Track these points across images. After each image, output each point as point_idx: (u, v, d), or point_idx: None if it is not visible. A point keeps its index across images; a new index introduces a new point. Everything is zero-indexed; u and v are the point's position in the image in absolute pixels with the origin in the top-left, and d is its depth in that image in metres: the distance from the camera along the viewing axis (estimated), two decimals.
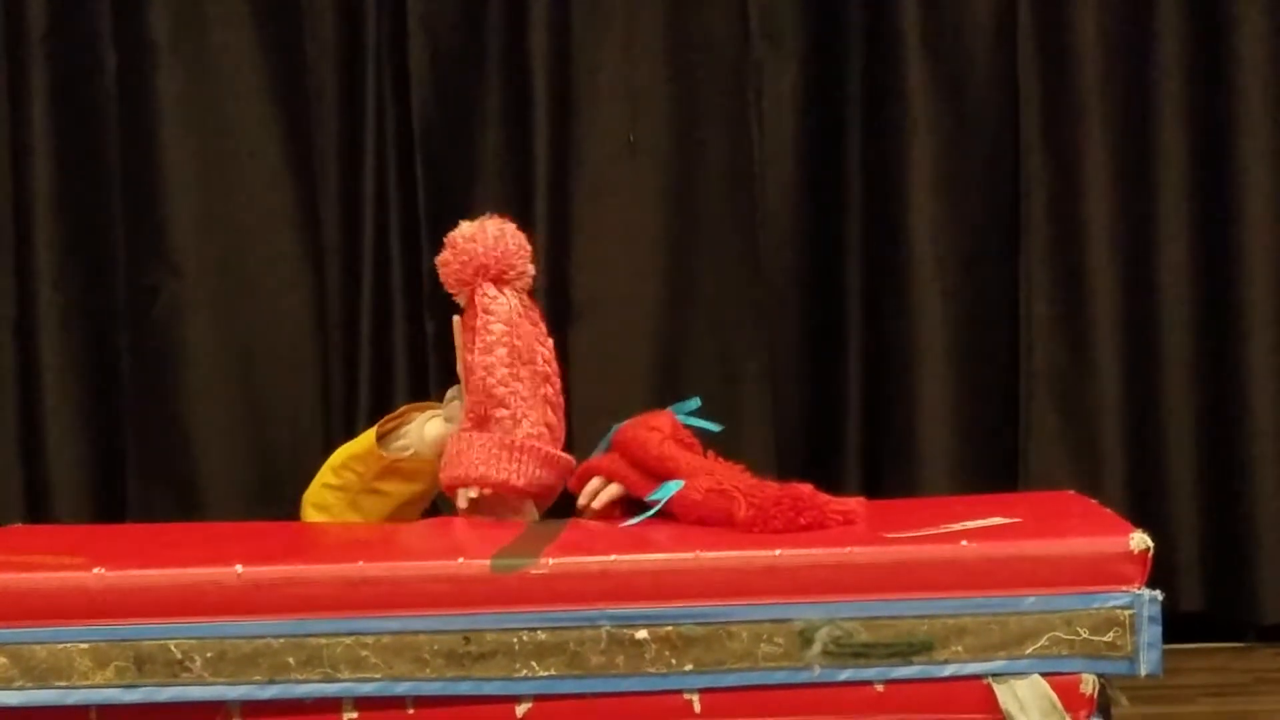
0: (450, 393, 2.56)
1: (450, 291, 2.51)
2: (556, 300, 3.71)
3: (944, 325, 3.73)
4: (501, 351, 2.45)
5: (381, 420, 2.57)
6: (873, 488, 3.62)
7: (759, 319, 3.74)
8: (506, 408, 2.43)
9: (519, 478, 2.42)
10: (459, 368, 2.50)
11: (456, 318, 2.52)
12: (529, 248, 2.53)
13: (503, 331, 2.46)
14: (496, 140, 3.77)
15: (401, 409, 2.61)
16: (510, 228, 2.53)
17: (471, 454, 2.42)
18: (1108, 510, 2.35)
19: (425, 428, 2.54)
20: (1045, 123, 3.73)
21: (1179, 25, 3.73)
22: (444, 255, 2.51)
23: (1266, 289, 3.70)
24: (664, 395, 2.86)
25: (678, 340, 3.77)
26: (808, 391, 3.81)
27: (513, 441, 2.42)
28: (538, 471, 2.44)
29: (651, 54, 3.76)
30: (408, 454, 2.53)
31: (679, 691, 2.05)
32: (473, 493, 2.43)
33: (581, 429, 3.45)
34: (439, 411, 2.56)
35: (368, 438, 2.56)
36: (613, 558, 2.07)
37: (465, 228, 2.51)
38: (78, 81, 3.75)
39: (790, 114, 3.79)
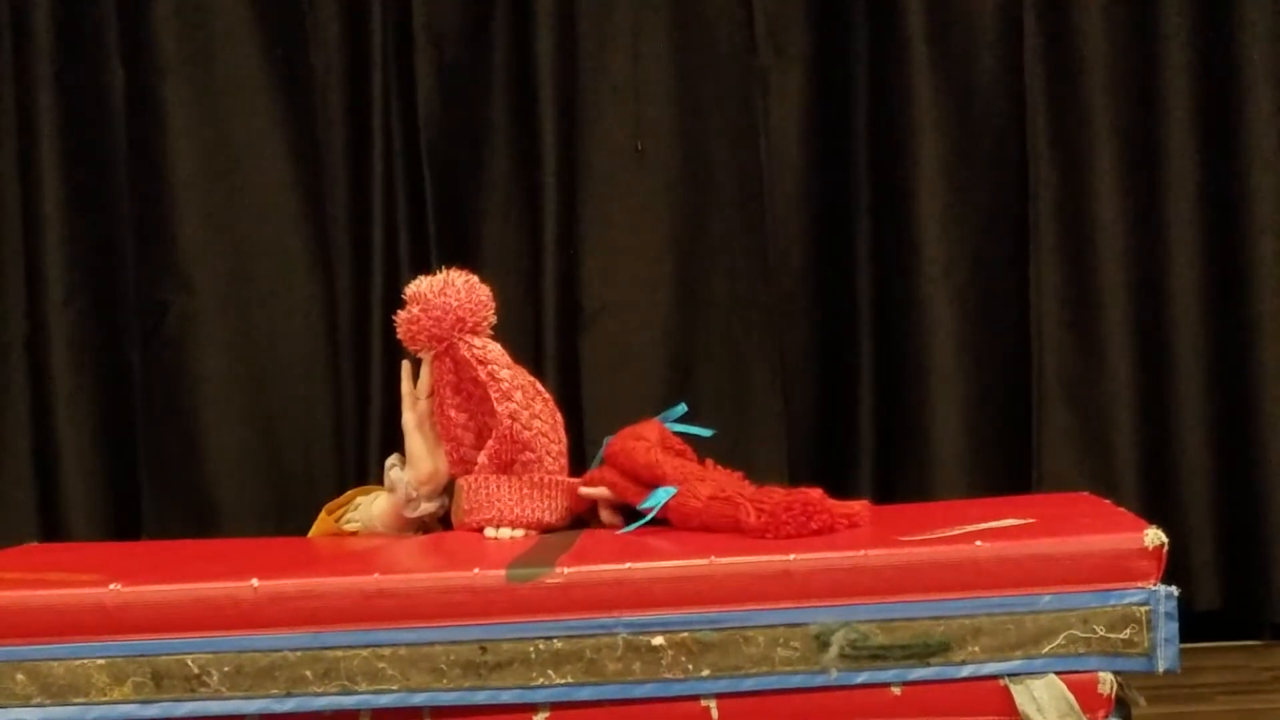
0: (390, 460, 2.56)
1: (414, 349, 2.50)
2: (567, 308, 3.71)
3: (955, 327, 3.72)
4: (519, 395, 2.46)
5: (327, 506, 2.57)
6: (886, 491, 3.62)
7: (769, 324, 3.73)
8: (533, 451, 2.45)
9: (551, 514, 2.45)
10: (409, 419, 2.50)
11: (405, 363, 2.51)
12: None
13: (511, 376, 2.47)
14: (504, 150, 3.77)
15: (344, 495, 2.61)
16: (474, 278, 2.53)
17: (503, 496, 2.43)
18: (1121, 509, 2.35)
19: (373, 507, 2.55)
20: (1053, 124, 3.72)
21: (1186, 27, 3.72)
22: (410, 313, 2.48)
23: (1278, 286, 3.69)
24: (675, 402, 2.86)
25: (688, 347, 3.76)
26: (819, 395, 3.80)
27: (541, 480, 2.45)
28: (564, 503, 2.47)
29: (658, 62, 3.75)
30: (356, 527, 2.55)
31: (696, 697, 2.06)
32: (517, 532, 2.43)
33: (594, 436, 3.46)
34: (382, 491, 2.57)
35: (325, 525, 2.57)
36: (627, 565, 2.08)
37: (429, 283, 2.50)
38: (85, 97, 3.75)
39: (797, 120, 3.79)
